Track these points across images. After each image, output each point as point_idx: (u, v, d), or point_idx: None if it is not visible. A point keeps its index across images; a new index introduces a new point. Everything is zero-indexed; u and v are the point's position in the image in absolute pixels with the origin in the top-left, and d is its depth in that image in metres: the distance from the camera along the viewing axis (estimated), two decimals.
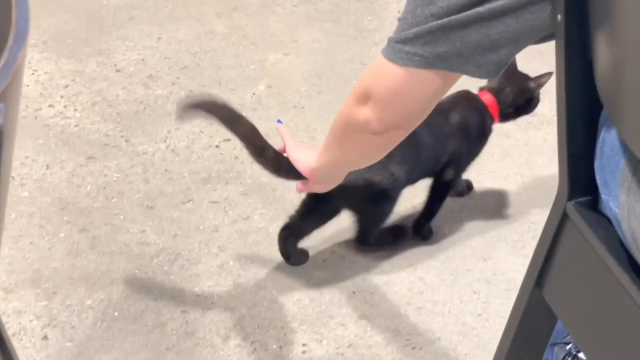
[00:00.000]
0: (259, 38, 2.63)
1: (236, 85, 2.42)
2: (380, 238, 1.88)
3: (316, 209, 1.83)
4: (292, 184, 1.54)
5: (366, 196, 1.78)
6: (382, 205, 1.81)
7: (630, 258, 1.04)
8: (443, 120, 1.82)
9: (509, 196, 2.07)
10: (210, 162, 2.14)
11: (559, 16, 1.04)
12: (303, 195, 1.82)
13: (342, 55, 2.56)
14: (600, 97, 1.03)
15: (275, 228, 1.92)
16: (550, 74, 1.81)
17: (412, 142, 1.59)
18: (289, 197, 2.02)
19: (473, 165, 1.94)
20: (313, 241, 1.90)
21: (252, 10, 2.77)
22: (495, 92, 1.88)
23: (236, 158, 2.15)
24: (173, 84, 2.43)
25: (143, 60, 2.52)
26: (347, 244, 1.91)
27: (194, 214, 1.99)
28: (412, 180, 1.84)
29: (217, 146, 2.19)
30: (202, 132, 2.24)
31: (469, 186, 2.05)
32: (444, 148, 1.83)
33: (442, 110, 1.82)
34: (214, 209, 2.00)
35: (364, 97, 1.15)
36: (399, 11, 2.66)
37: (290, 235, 1.84)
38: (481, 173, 2.11)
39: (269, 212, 1.99)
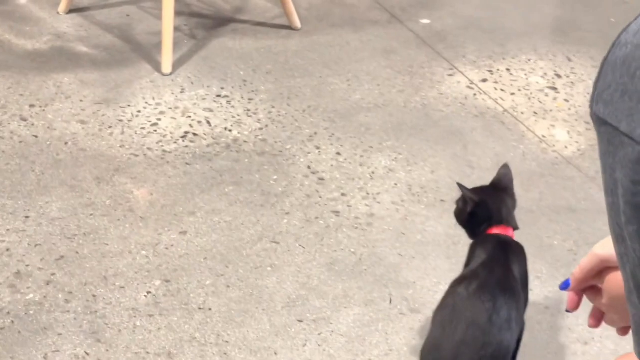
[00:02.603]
0: (148, 211, 2.23)
1: (126, 282, 2.01)
2: None
3: None
4: None
5: None
6: None
7: None
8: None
9: None
10: None
11: None
12: None
13: (249, 231, 2.18)
14: None
15: None
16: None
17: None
18: None
19: None
20: None
21: (138, 171, 2.36)
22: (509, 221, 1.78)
23: None
24: (48, 283, 1.99)
25: (8, 250, 2.07)
26: None
27: None
28: None
29: None
30: (87, 354, 1.81)
31: None
32: None
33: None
34: None
35: None
36: (308, 167, 2.32)
37: None
38: None
39: None
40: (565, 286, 1.16)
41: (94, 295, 1.96)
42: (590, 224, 2.27)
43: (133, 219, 2.19)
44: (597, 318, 1.16)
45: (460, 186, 1.76)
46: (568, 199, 2.36)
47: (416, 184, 2.38)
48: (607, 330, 1.93)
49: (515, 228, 1.80)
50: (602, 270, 1.09)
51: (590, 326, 1.17)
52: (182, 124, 2.56)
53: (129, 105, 2.63)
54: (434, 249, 2.16)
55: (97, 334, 1.87)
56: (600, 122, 0.63)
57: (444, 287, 2.03)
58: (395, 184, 2.37)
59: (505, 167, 1.86)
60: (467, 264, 1.75)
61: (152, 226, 2.17)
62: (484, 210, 1.75)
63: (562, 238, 2.22)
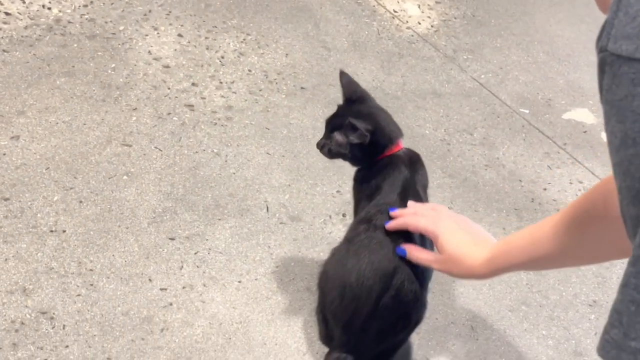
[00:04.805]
0: None
1: None
2: None
3: None
4: None
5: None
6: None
7: None
8: None
9: None
10: None
11: None
12: None
13: (93, 133, 1.88)
14: None
15: None
16: None
17: None
18: None
19: None
20: None
21: None
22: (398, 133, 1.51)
23: None
24: None
25: None
26: None
27: None
28: None
29: None
30: None
31: None
32: None
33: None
34: None
35: None
36: (149, 51, 2.04)
37: None
38: None
39: None
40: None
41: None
42: (456, 109, 2.17)
43: None
44: None
45: (351, 121, 1.40)
46: (431, 82, 2.24)
47: (272, 70, 2.16)
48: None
49: (402, 135, 1.53)
50: None
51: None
52: None
53: None
54: (303, 145, 1.98)
55: None
56: (621, 61, 0.53)
57: (321, 189, 1.87)
58: (250, 70, 2.14)
59: (343, 74, 1.52)
60: (369, 195, 1.45)
61: None
62: (381, 136, 1.45)
63: (433, 127, 2.10)
